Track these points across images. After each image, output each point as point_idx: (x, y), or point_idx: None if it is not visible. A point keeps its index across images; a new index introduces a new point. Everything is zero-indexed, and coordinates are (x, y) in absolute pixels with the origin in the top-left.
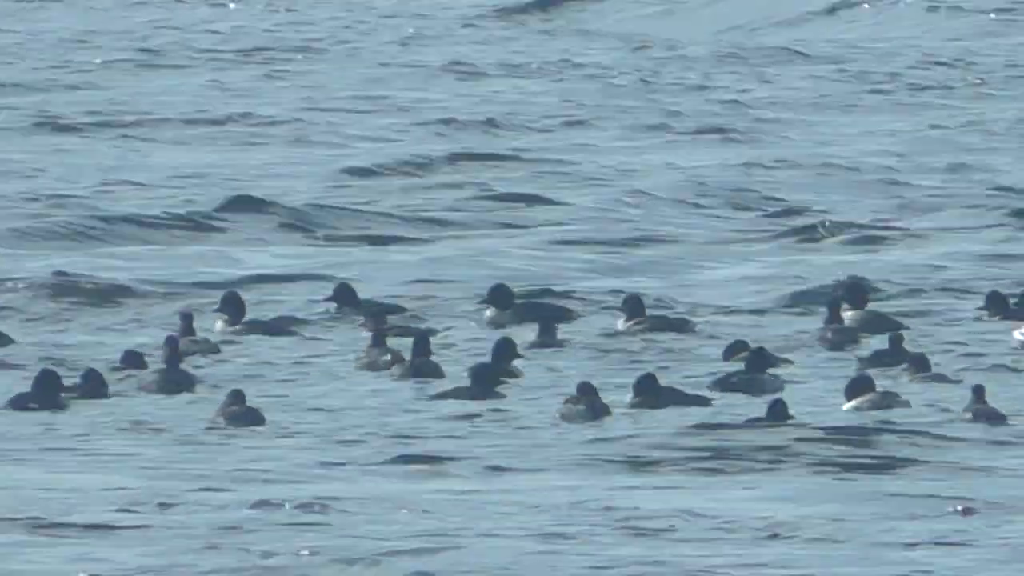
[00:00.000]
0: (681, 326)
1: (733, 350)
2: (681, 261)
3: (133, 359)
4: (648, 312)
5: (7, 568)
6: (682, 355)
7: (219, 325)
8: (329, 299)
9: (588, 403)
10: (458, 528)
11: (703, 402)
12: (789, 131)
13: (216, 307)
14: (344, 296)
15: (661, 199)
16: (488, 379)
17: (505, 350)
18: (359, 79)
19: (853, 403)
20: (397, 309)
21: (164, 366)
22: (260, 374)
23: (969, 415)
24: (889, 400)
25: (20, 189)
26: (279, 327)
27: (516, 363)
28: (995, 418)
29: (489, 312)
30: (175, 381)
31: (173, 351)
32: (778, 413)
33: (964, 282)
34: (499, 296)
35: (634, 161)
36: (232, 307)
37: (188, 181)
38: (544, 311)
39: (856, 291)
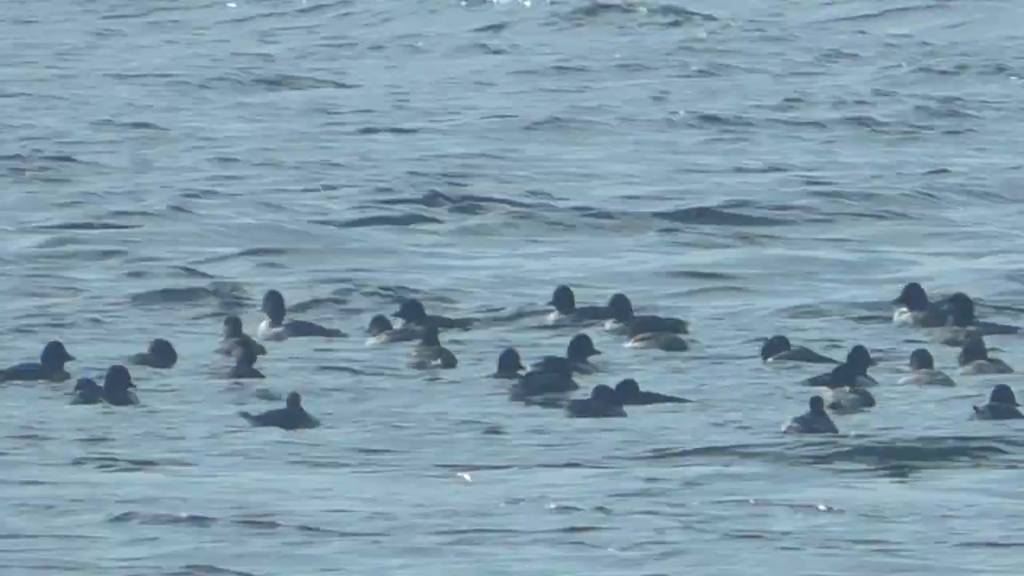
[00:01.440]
0: (673, 327)
1: (772, 348)
2: None
3: (162, 349)
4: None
5: None
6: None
7: (262, 326)
8: (397, 314)
9: (571, 404)
10: None
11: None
12: None
13: (259, 308)
14: (412, 312)
15: None
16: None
17: (581, 347)
18: None
19: (829, 395)
20: (462, 323)
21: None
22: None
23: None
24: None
25: None
26: (318, 328)
27: (592, 360)
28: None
29: (553, 316)
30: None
31: (246, 352)
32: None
33: None
34: (563, 299)
35: None
36: (273, 307)
37: None
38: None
39: None
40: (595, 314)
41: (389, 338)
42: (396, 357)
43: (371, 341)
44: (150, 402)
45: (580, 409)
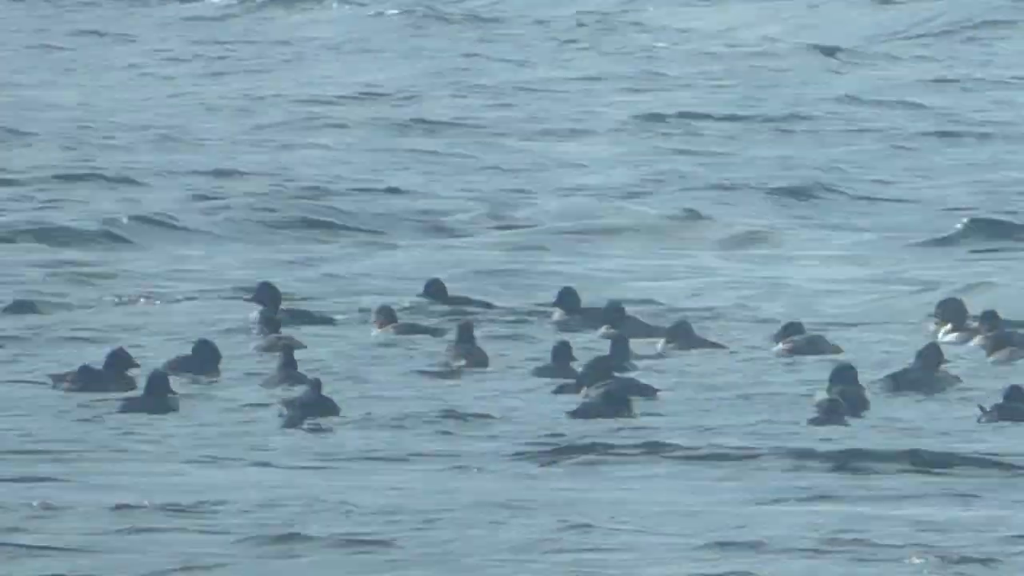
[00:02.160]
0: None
1: (785, 332)
2: None
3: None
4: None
5: None
6: None
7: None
8: (421, 295)
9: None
10: None
11: (649, 392)
12: None
13: (249, 297)
14: (435, 292)
15: None
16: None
17: (624, 346)
18: None
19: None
20: (485, 305)
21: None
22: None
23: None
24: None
25: None
26: (312, 317)
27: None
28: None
29: (556, 315)
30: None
31: (288, 356)
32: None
33: None
34: (567, 300)
35: None
36: (267, 297)
37: None
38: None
39: None
40: (596, 317)
41: (395, 330)
42: (400, 349)
43: (375, 332)
44: (191, 404)
45: (586, 408)
